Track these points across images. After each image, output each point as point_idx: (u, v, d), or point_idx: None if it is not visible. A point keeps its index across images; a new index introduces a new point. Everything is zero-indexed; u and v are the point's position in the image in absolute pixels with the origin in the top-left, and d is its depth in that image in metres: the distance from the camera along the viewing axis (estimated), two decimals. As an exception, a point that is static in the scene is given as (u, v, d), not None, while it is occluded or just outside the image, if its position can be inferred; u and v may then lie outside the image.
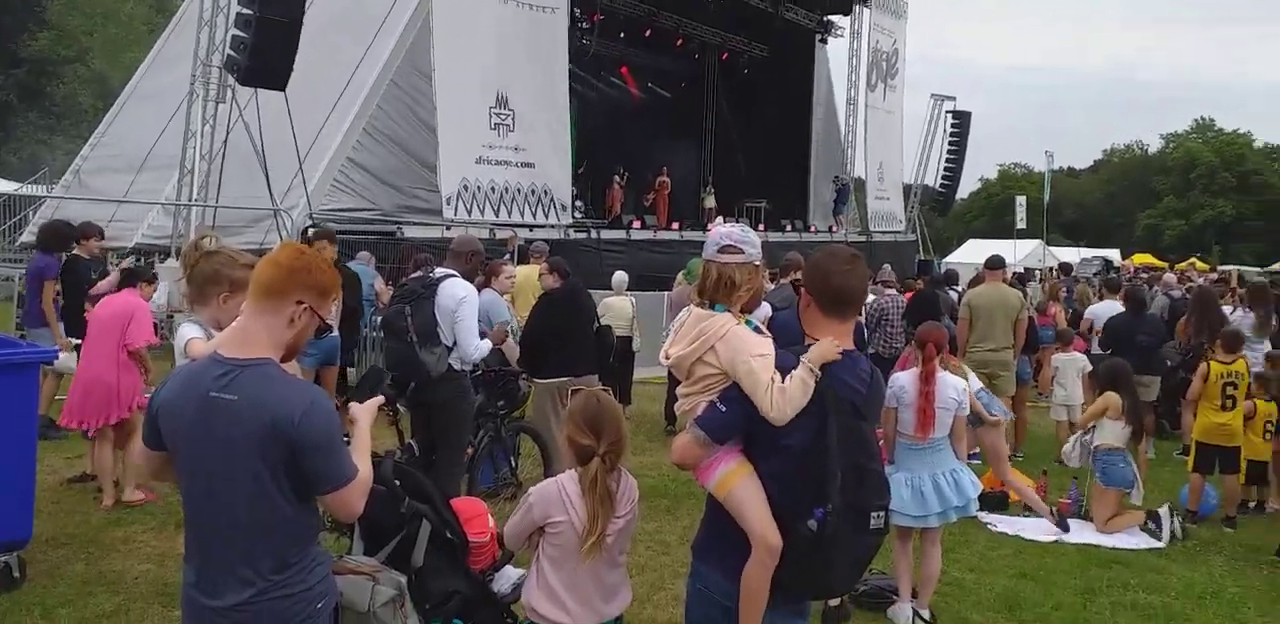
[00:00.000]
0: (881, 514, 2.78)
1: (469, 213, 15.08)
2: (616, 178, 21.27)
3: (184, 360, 3.41)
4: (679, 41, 26.56)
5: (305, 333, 2.46)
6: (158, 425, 2.42)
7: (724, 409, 2.73)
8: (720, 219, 20.31)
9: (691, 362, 2.82)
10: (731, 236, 2.91)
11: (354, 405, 2.63)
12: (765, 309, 7.84)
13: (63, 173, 20.54)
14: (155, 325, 12.81)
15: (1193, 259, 36.18)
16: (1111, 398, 6.84)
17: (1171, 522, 6.69)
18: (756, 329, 2.86)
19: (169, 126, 16.83)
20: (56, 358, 5.17)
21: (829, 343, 2.77)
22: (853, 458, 2.71)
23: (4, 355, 4.88)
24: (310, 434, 2.28)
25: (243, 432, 2.28)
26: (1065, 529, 6.69)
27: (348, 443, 2.49)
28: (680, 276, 9.57)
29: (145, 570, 5.12)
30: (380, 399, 2.73)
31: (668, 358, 2.92)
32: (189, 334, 3.51)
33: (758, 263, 2.90)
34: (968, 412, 5.30)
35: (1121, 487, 6.79)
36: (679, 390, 2.97)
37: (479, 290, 6.02)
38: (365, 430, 2.60)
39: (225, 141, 13.53)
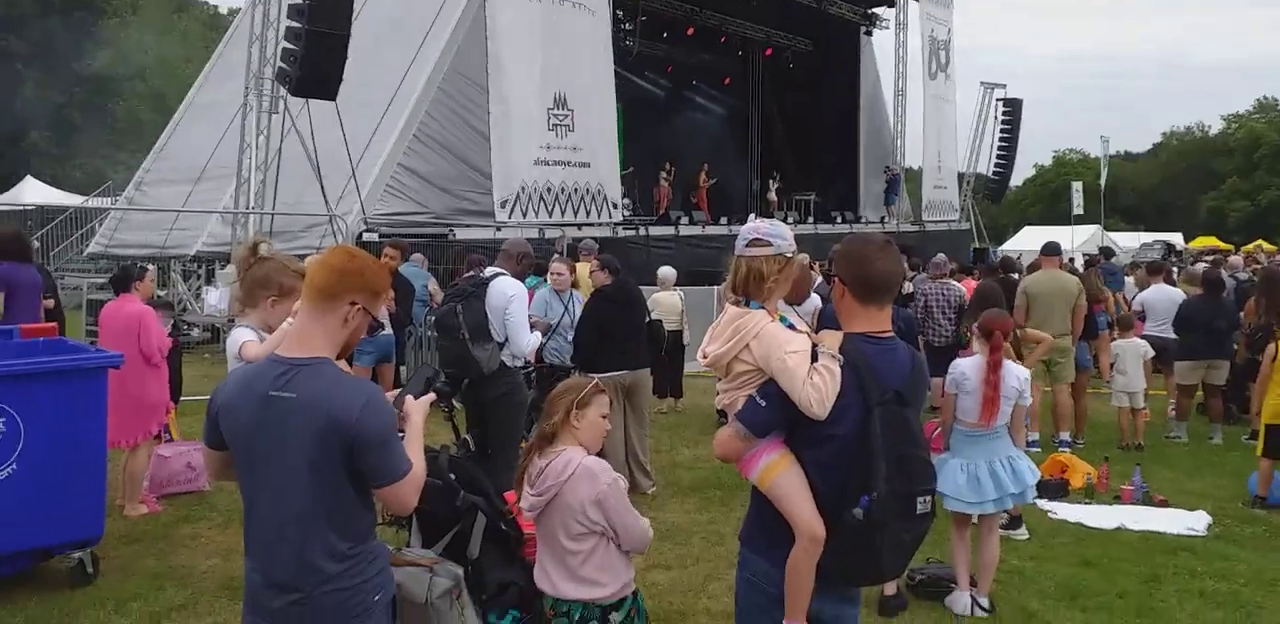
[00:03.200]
0: (928, 499, 2.77)
1: (523, 215, 15.22)
2: (663, 175, 21.32)
3: (237, 363, 3.49)
4: (722, 39, 26.52)
5: (359, 332, 2.53)
6: (219, 426, 2.49)
7: (764, 404, 2.74)
8: (752, 216, 20.27)
9: (728, 359, 2.84)
10: (758, 230, 2.92)
11: (408, 402, 2.67)
12: (815, 300, 7.82)
13: (125, 186, 21.14)
14: (217, 329, 13.23)
15: (1259, 241, 35.16)
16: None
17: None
18: (791, 326, 2.85)
19: (225, 138, 17.24)
20: (124, 362, 5.31)
21: (835, 334, 2.78)
22: (896, 445, 2.70)
23: (76, 360, 5.07)
24: (367, 430, 2.34)
25: (302, 428, 2.34)
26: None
27: (401, 439, 2.54)
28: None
29: (213, 565, 5.28)
30: (432, 396, 2.77)
31: (705, 356, 2.94)
32: (242, 337, 3.59)
33: (788, 254, 2.89)
34: (1029, 401, 5.22)
35: None
36: (718, 386, 3.00)
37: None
38: (418, 426, 2.64)
39: (279, 151, 13.82)
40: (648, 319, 7.34)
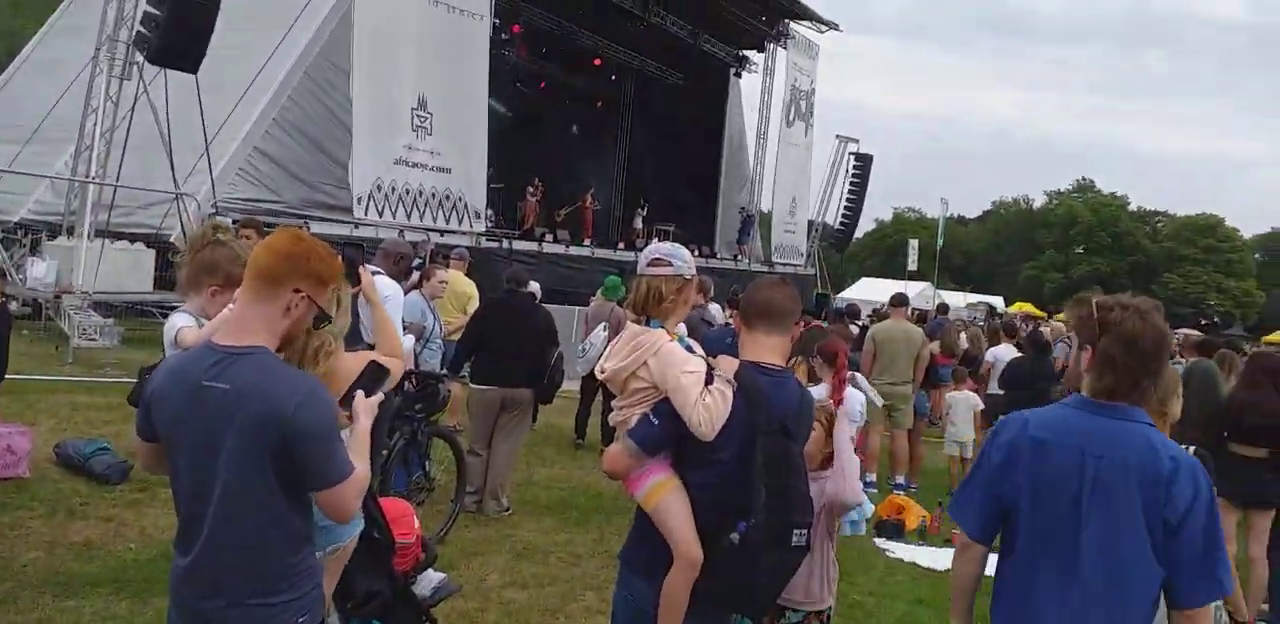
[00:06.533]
0: (804, 532, 2.86)
1: (380, 213, 14.81)
2: (530, 190, 21.21)
3: (173, 350, 3.25)
4: (597, 62, 26.77)
5: (301, 322, 2.36)
6: (150, 416, 2.31)
7: (656, 422, 2.80)
8: (656, 239, 20.54)
9: (625, 376, 2.88)
10: (660, 250, 3.02)
11: (359, 399, 2.49)
12: (680, 328, 7.94)
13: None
14: (40, 304, 12.25)
15: (1068, 311, 37.94)
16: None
17: None
18: (689, 348, 2.93)
19: (64, 99, 16.10)
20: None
21: (732, 360, 2.87)
22: (778, 475, 2.78)
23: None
24: (305, 426, 2.17)
25: (235, 421, 2.18)
26: None
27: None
28: (598, 293, 9.60)
29: (34, 558, 4.83)
30: (381, 396, 2.58)
31: (603, 371, 2.98)
32: (180, 323, 3.35)
33: (688, 276, 2.99)
34: (861, 423, 5.45)
35: None
36: (614, 403, 3.03)
37: (406, 293, 5.98)
38: (365, 429, 2.47)
39: (129, 119, 12.97)
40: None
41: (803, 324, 11.46)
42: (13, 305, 12.76)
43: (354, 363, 2.72)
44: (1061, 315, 30.87)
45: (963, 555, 2.70)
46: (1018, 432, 2.52)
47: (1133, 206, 66.70)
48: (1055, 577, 2.44)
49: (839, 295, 32.73)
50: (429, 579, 3.90)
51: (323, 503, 2.28)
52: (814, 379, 5.60)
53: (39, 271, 11.98)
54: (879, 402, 7.40)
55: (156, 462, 2.40)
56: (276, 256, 2.31)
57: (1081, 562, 2.40)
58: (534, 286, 10.20)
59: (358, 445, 2.40)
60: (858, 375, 6.68)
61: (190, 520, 2.28)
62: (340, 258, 3.19)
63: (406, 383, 6.12)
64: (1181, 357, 10.72)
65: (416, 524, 3.86)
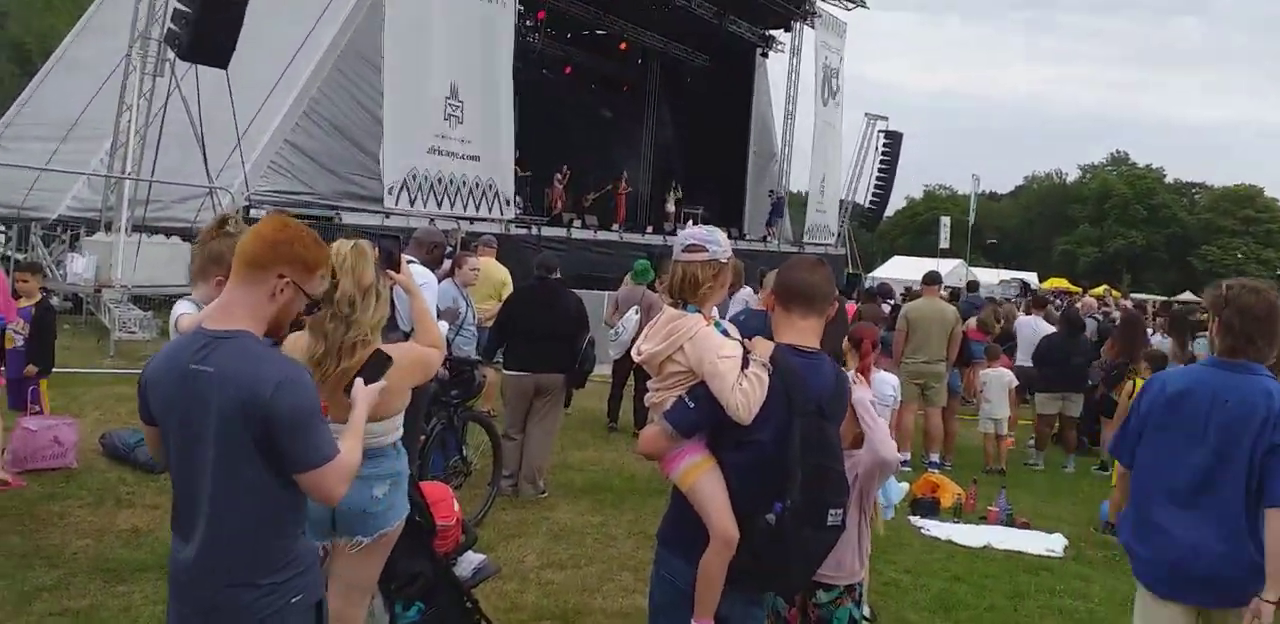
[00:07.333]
0: (839, 512, 2.87)
1: (411, 203, 14.90)
2: (558, 176, 21.22)
3: (176, 336, 3.35)
4: (623, 46, 26.66)
5: (289, 309, 2.38)
6: (147, 400, 2.37)
7: (692, 406, 2.80)
8: (690, 222, 20.47)
9: (661, 359, 2.89)
10: (695, 235, 2.99)
11: (358, 386, 2.54)
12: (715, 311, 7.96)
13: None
14: (80, 299, 12.50)
15: (1105, 285, 37.54)
16: None
17: None
18: (725, 332, 2.93)
19: (99, 96, 16.30)
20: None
21: (767, 343, 2.88)
22: (815, 456, 2.79)
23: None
24: (282, 410, 2.19)
25: (217, 404, 2.21)
26: None
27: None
28: (628, 277, 9.62)
29: (84, 545, 4.99)
30: (384, 383, 2.63)
31: (639, 353, 2.99)
32: (181, 310, 3.48)
33: (724, 260, 2.96)
34: (896, 407, 5.46)
35: None
36: (649, 384, 3.04)
37: (440, 281, 6.05)
38: (362, 415, 2.51)
39: (162, 115, 13.14)
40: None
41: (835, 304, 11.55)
42: (54, 300, 13.03)
43: (391, 353, 2.78)
44: (1096, 290, 30.57)
45: (1125, 480, 3.52)
46: (1159, 388, 3.35)
47: (1169, 178, 65.63)
48: (1178, 489, 3.21)
49: (870, 275, 32.52)
50: (469, 561, 3.98)
51: (305, 487, 2.29)
52: None
53: (79, 267, 12.21)
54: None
55: (158, 446, 2.43)
56: (261, 242, 2.34)
57: (1201, 475, 3.17)
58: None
59: (353, 431, 2.43)
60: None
61: (185, 503, 2.32)
62: (378, 249, 3.26)
63: (442, 369, 6.22)
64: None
65: (456, 507, 3.94)
